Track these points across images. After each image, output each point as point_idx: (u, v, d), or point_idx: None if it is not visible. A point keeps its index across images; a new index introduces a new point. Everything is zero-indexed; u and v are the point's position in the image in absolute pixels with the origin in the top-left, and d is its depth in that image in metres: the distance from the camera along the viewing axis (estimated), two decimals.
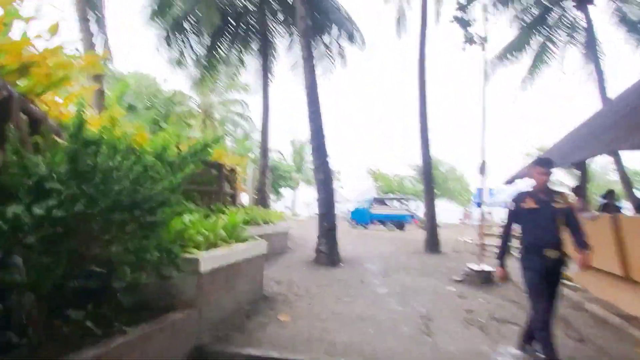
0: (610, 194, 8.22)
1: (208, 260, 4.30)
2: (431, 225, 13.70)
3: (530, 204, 4.12)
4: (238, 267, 5.19)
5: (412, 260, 11.23)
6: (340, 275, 8.55)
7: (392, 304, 6.26)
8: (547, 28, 18.44)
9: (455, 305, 6.40)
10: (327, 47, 18.12)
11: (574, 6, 17.78)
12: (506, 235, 4.35)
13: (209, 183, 10.27)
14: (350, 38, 16.75)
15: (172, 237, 4.23)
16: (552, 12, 18.23)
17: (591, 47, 16.67)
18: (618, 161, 14.58)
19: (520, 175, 9.44)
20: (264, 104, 15.53)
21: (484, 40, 13.81)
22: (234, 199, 11.29)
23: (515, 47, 18.47)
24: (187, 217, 4.69)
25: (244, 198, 18.68)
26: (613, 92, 16.99)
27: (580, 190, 8.38)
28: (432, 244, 13.39)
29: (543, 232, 4.02)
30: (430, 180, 14.19)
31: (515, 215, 4.22)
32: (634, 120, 5.39)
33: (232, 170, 10.87)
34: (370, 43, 16.75)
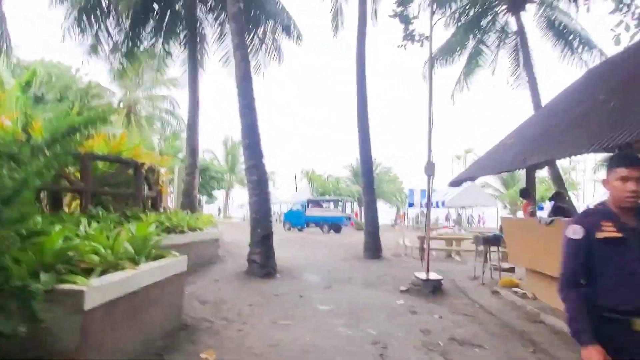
0: (558, 196, 7.92)
1: (98, 290, 3.15)
2: (372, 228, 13.07)
3: (609, 231, 2.17)
4: (147, 292, 4.05)
5: (354, 268, 10.47)
6: (277, 289, 7.55)
7: (338, 327, 5.37)
8: (480, 31, 18.64)
9: (409, 325, 5.63)
10: (261, 40, 17.05)
11: (506, 11, 18.10)
12: (576, 288, 2.24)
13: (125, 185, 8.86)
14: (287, 31, 15.81)
15: (48, 258, 3.05)
16: (486, 16, 18.43)
17: (524, 52, 16.97)
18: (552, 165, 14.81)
19: (465, 177, 9.01)
20: (191, 98, 14.12)
21: (424, 38, 13.49)
22: (155, 202, 9.91)
23: (452, 48, 18.50)
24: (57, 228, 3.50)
25: (171, 201, 17.12)
26: (546, 96, 17.53)
27: (528, 194, 8.03)
28: (373, 248, 12.76)
29: (633, 285, 2.10)
30: (371, 181, 13.58)
31: (585, 250, 2.21)
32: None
33: (153, 170, 9.49)
34: (308, 38, 15.77)
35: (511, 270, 9.14)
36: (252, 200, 8.89)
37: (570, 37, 17.29)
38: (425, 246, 13.62)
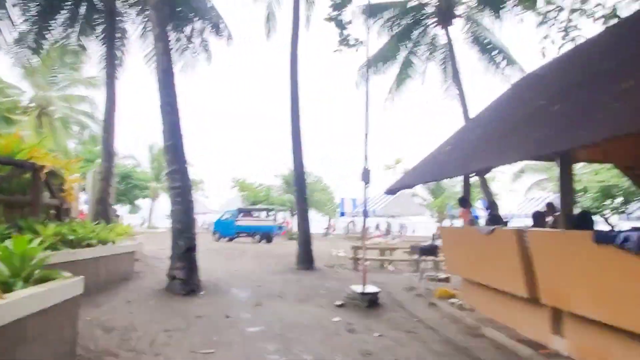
0: (493, 205, 7.81)
1: None
2: (304, 238, 12.50)
3: None
4: (23, 327, 3.14)
5: (286, 281, 9.80)
6: (200, 309, 6.71)
7: (269, 354, 4.70)
8: (411, 41, 18.92)
9: (347, 346, 5.08)
10: (188, 39, 16.05)
11: (436, 24, 18.50)
12: None
13: (20, 191, 7.61)
14: (216, 30, 14.95)
15: None
16: (417, 27, 18.72)
17: (453, 65, 17.40)
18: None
19: (402, 185, 8.73)
20: (108, 95, 12.81)
21: (359, 43, 13.28)
22: (59, 212, 8.65)
23: (385, 56, 18.61)
24: None
25: (84, 211, 15.47)
26: (475, 107, 18.09)
27: (466, 202, 7.87)
28: (306, 259, 12.19)
29: None
30: (303, 189, 13.04)
31: None
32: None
33: (56, 175, 8.26)
34: (239, 40, 14.95)
35: (446, 280, 8.97)
36: (174, 209, 7.97)
37: (494, 53, 18.05)
38: (360, 256, 13.38)
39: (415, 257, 9.01)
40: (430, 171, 7.71)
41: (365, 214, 8.14)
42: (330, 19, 12.80)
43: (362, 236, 8.16)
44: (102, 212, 11.92)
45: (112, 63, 13.17)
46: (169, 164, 8.05)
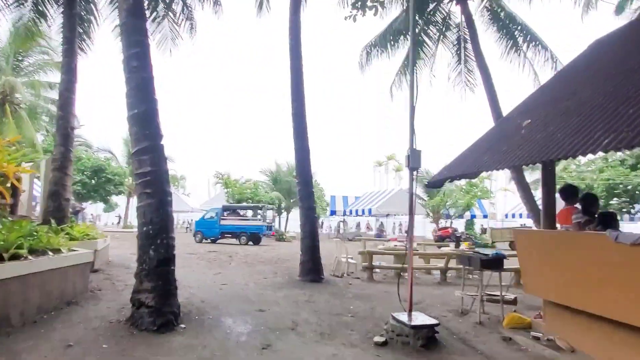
0: (591, 200, 5.56)
1: None
2: (310, 243, 10.15)
3: None
4: None
5: (294, 302, 7.42)
6: (181, 359, 4.35)
7: None
8: (423, 18, 16.70)
9: None
10: (166, 5, 13.54)
11: (450, 0, 16.30)
12: None
13: None
14: None
15: None
16: (429, 2, 16.49)
17: (474, 44, 15.15)
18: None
19: (449, 176, 6.46)
20: (66, 65, 10.26)
21: (379, 3, 11.04)
22: None
23: (395, 33, 16.34)
24: None
25: (34, 208, 12.90)
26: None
27: (571, 196, 5.67)
28: (313, 269, 9.86)
29: None
30: (309, 184, 10.68)
31: None
32: None
33: None
34: (229, 11, 12.36)
35: (514, 302, 6.79)
36: (143, 205, 5.56)
37: (516, 31, 16.01)
38: (376, 264, 11.13)
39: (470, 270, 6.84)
40: (496, 157, 5.46)
41: (412, 212, 5.88)
42: None
43: (409, 241, 5.89)
44: (56, 208, 9.40)
45: (71, 25, 10.58)
46: (136, 141, 5.62)
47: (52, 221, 8.56)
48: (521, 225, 36.74)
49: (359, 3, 10.46)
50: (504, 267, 6.61)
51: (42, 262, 5.46)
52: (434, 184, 6.68)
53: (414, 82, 6.02)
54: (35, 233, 6.28)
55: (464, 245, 12.33)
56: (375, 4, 10.49)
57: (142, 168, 5.57)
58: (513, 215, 40.41)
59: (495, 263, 6.27)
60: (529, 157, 4.43)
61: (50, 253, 5.77)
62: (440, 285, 10.10)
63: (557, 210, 6.09)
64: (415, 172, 5.78)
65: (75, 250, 6.60)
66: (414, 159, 5.55)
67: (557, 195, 6.10)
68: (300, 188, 10.62)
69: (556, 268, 5.10)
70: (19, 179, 8.54)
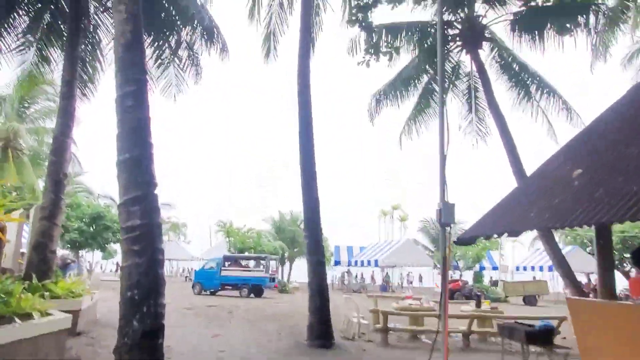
0: None
1: None
2: (320, 303, 9.16)
3: None
4: None
5: None
6: None
7: None
8: (432, 69, 16.40)
9: None
10: (173, 52, 13.18)
11: (460, 48, 16.04)
12: None
13: None
14: (209, 35, 12.16)
15: None
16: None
17: (487, 92, 14.69)
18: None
19: (484, 232, 5.65)
20: (62, 108, 9.76)
21: (393, 50, 10.63)
22: None
23: (403, 82, 15.98)
24: None
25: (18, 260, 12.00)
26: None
27: None
28: (323, 332, 8.81)
29: None
30: (318, 235, 9.86)
31: None
32: None
33: None
34: (235, 54, 12.07)
35: None
36: (130, 264, 4.75)
37: (528, 80, 15.65)
38: (391, 326, 10.01)
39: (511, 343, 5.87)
40: (544, 214, 4.66)
41: (445, 275, 5.03)
42: (354, 21, 10.17)
43: (443, 303, 4.99)
44: (40, 262, 8.55)
45: (72, 67, 10.19)
46: (125, 189, 4.89)
47: (34, 276, 7.71)
48: (533, 278, 35.30)
49: (372, 49, 10.06)
50: (556, 342, 5.62)
51: (5, 332, 4.58)
52: (466, 242, 5.88)
53: (444, 126, 5.34)
54: (6, 293, 5.44)
55: (485, 305, 11.31)
56: (390, 50, 10.07)
57: (131, 221, 4.80)
58: (524, 268, 38.96)
59: (543, 336, 5.31)
60: (595, 214, 3.64)
61: (17, 321, 4.89)
62: (464, 352, 9.00)
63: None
64: (448, 229, 4.99)
65: (50, 315, 5.70)
66: (446, 214, 4.78)
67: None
68: (309, 241, 9.79)
69: (628, 349, 4.18)
70: (2, 229, 7.78)
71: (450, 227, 5.07)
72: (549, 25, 13.95)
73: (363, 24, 9.90)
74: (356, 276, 40.22)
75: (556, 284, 33.62)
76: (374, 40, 10.03)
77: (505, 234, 4.81)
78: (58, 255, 13.55)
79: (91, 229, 29.35)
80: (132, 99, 5.06)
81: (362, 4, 10.25)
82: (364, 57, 10.28)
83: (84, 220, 28.90)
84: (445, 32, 15.53)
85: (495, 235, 5.23)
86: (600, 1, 13.44)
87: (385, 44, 10.51)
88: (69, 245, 29.10)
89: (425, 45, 15.34)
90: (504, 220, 4.96)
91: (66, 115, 9.66)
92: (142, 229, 4.76)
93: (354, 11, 10.24)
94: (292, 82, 11.09)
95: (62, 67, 12.08)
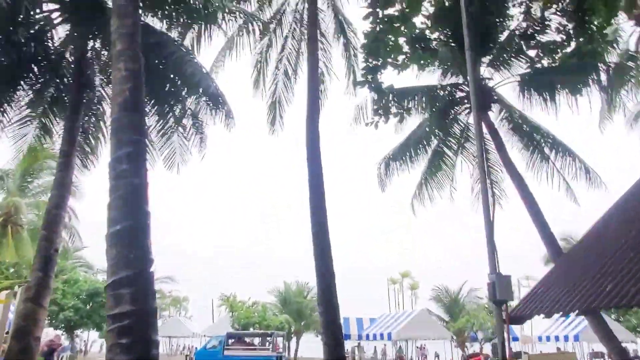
0: None
1: None
2: None
3: None
4: None
5: None
6: None
7: None
8: (443, 130, 16.10)
9: None
10: (176, 120, 12.82)
11: (468, 111, 15.82)
12: None
13: None
14: (214, 102, 11.85)
15: None
16: (448, 116, 15.98)
17: (502, 155, 14.23)
18: None
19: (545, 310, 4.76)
20: (58, 180, 9.19)
21: (404, 111, 10.23)
22: None
23: (413, 146, 15.56)
24: None
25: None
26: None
27: None
28: None
29: None
30: (334, 309, 8.81)
31: None
32: None
33: None
34: (241, 123, 11.74)
35: None
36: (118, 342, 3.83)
37: (541, 141, 15.25)
38: None
39: None
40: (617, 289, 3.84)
41: (502, 340, 4.08)
42: (364, 82, 9.86)
43: None
44: (21, 350, 7.53)
45: (71, 138, 9.77)
46: (114, 268, 4.08)
47: None
48: (557, 349, 33.00)
49: (382, 110, 9.67)
50: None
51: None
52: (520, 320, 4.98)
53: (487, 191, 4.66)
54: None
55: None
56: (400, 111, 9.67)
57: (119, 307, 3.97)
58: (547, 338, 36.58)
59: None
60: None
61: None
62: None
63: None
64: (504, 305, 4.11)
65: None
66: (501, 288, 3.93)
67: None
68: (324, 319, 8.76)
69: None
70: None
71: (507, 305, 4.19)
72: (559, 85, 13.82)
73: (373, 85, 9.56)
74: (373, 351, 37.86)
75: (582, 356, 31.37)
76: (383, 102, 9.60)
77: (575, 312, 3.94)
78: (47, 338, 12.40)
79: (88, 306, 28.05)
80: (127, 162, 4.43)
81: (371, 65, 10.05)
82: (372, 119, 9.90)
83: (80, 297, 27.71)
84: (453, 94, 15.45)
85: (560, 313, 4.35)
86: (603, 64, 13.29)
87: (395, 105, 10.12)
88: (62, 325, 27.54)
89: (434, 108, 15.12)
90: (573, 295, 4.11)
91: (62, 187, 9.08)
92: (132, 317, 3.92)
93: (363, 72, 10.02)
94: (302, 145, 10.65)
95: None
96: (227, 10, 11.86)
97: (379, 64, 9.90)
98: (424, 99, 14.61)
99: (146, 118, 12.70)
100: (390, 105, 9.54)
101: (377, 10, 8.73)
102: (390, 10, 9.23)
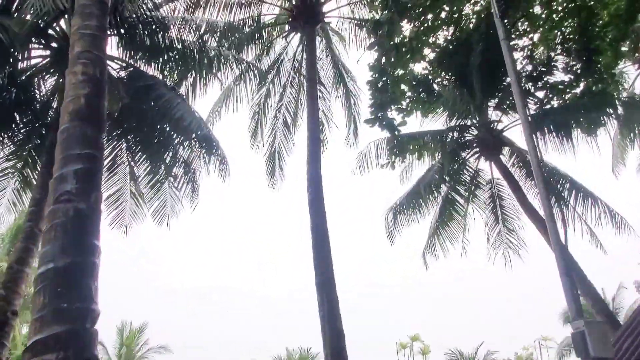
0: None
1: None
2: None
3: None
4: None
5: None
6: None
7: None
8: (452, 177, 15.06)
9: None
10: (167, 169, 11.81)
11: (478, 155, 14.93)
12: None
13: None
14: (207, 146, 10.90)
15: None
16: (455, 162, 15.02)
17: (519, 198, 13.21)
18: None
19: None
20: (27, 231, 8.06)
21: (423, 147, 9.27)
22: None
23: (422, 192, 14.45)
24: None
25: None
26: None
27: None
28: None
29: None
30: None
31: None
32: None
33: None
34: (237, 172, 10.78)
35: None
36: None
37: (559, 185, 14.20)
38: None
39: None
40: None
41: None
42: (374, 120, 8.93)
43: None
44: None
45: (44, 185, 8.73)
46: (40, 323, 2.84)
47: None
48: None
49: (397, 149, 8.69)
50: None
51: None
52: None
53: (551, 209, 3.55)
54: None
55: None
56: (418, 148, 8.73)
57: None
58: None
59: None
60: None
61: None
62: None
63: None
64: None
65: None
66: (596, 340, 2.69)
67: None
68: None
69: None
70: None
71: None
72: (573, 123, 13.14)
73: (384, 122, 8.65)
74: None
75: None
76: (397, 141, 8.65)
77: None
78: None
79: None
80: (74, 181, 3.35)
81: (379, 102, 9.24)
82: (388, 159, 8.91)
83: None
84: (461, 137, 14.61)
85: None
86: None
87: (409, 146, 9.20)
88: None
89: (439, 153, 14.26)
90: None
91: (29, 239, 7.92)
92: None
93: (371, 110, 9.19)
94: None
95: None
96: (222, 60, 11.38)
97: (388, 99, 9.10)
98: (433, 143, 13.77)
99: (134, 168, 12.10)
100: (404, 146, 8.57)
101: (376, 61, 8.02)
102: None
